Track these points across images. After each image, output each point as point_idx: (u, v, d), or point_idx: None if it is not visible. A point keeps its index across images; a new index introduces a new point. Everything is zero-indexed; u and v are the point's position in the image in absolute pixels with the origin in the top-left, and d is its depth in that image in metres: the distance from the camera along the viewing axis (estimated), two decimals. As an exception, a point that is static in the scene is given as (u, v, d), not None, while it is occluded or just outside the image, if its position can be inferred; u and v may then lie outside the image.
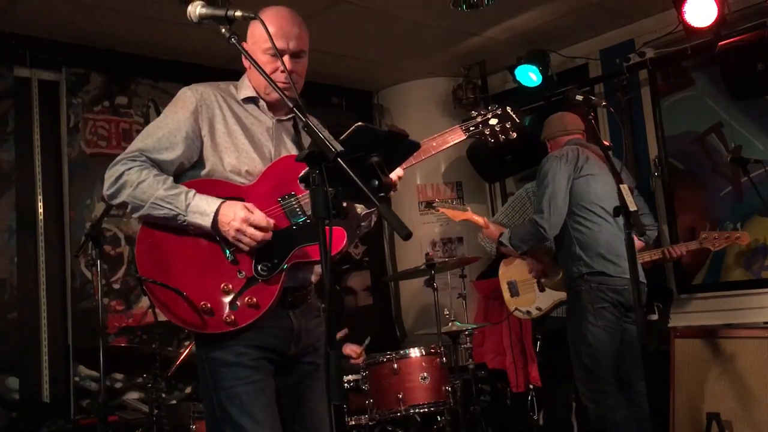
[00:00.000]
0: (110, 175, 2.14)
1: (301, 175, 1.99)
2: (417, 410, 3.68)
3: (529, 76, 5.06)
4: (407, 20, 4.65)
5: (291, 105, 1.76)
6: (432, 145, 2.22)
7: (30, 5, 3.97)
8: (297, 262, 2.12)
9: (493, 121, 2.30)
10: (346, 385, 3.80)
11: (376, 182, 1.83)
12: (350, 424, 3.76)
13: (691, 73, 4.79)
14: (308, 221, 2.13)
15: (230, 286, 2.08)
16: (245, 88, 2.29)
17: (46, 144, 4.45)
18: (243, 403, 2.07)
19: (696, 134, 4.78)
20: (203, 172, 2.19)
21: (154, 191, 2.07)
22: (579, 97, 2.89)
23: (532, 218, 3.58)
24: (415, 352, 3.75)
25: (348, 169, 1.62)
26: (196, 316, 2.07)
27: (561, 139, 3.87)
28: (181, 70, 4.70)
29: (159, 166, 2.15)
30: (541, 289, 4.15)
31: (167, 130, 2.17)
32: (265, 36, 2.15)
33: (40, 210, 4.38)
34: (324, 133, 1.68)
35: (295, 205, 2.14)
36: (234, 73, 5.20)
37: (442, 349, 3.82)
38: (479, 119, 2.31)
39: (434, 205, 3.98)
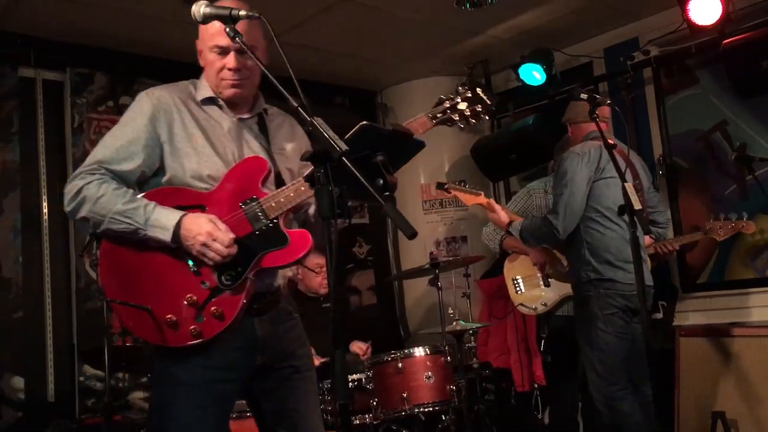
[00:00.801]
0: (69, 190, 2.09)
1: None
2: (421, 409, 3.68)
3: (533, 74, 5.05)
4: (411, 19, 4.65)
5: (296, 105, 1.74)
6: (416, 126, 2.13)
7: (34, 5, 3.98)
8: (261, 268, 2.08)
9: (463, 105, 2.20)
10: (350, 384, 3.80)
11: (381, 181, 1.83)
12: (354, 423, 3.76)
13: (696, 72, 4.77)
14: (271, 226, 2.08)
15: (195, 297, 2.04)
16: (203, 88, 2.24)
17: (51, 144, 4.46)
18: (187, 426, 2.05)
19: (700, 132, 4.77)
20: (164, 179, 2.14)
21: (112, 206, 2.04)
22: (583, 96, 2.89)
23: (547, 217, 3.50)
24: (419, 352, 3.75)
25: (353, 169, 1.61)
26: (162, 330, 2.03)
27: (584, 125, 3.68)
28: (184, 69, 4.63)
29: (119, 177, 2.10)
30: (546, 285, 4.14)
31: (125, 139, 2.12)
32: (210, 33, 2.13)
33: (45, 210, 4.39)
34: (329, 133, 1.67)
35: (258, 210, 2.09)
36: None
37: (446, 348, 3.81)
38: (447, 104, 2.21)
39: (446, 186, 3.83)
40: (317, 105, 1.76)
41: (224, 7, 1.90)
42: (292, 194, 2.09)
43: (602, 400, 3.41)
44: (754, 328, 4.11)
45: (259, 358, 2.15)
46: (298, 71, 1.71)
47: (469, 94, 2.20)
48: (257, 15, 1.87)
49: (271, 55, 1.85)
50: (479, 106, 2.21)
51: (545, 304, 4.13)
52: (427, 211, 5.85)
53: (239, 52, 2.14)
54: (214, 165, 2.14)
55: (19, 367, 4.12)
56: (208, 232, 2.01)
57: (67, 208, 2.10)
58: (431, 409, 3.69)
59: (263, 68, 1.85)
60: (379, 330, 5.61)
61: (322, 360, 3.95)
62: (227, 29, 1.87)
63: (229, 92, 2.19)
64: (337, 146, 1.63)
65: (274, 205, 2.09)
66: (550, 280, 4.11)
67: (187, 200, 2.08)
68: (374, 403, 3.66)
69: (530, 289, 4.22)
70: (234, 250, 2.03)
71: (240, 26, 2.02)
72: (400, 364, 3.66)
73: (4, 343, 4.09)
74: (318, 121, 1.71)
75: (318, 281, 4.26)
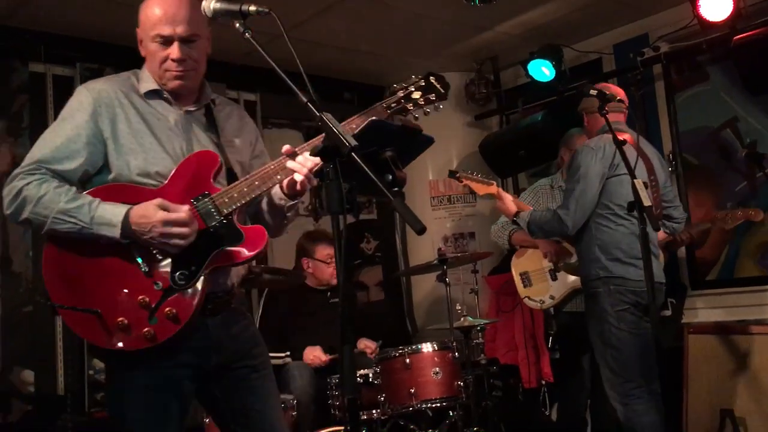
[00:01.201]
0: (8, 192, 2.00)
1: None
2: (429, 405, 3.68)
3: (542, 70, 5.04)
4: (419, 15, 4.64)
5: (305, 100, 1.74)
6: (351, 127, 2.05)
7: (43, 1, 3.99)
8: (216, 266, 2.03)
9: (417, 95, 2.16)
10: (358, 379, 3.80)
11: (390, 177, 1.83)
12: (362, 418, 3.76)
13: (706, 68, 4.75)
14: (225, 222, 2.03)
15: (147, 299, 1.96)
16: (146, 80, 2.15)
17: (61, 139, 4.47)
18: (145, 428, 2.02)
19: (711, 129, 4.74)
20: (110, 177, 2.05)
21: (55, 205, 1.95)
22: (593, 92, 2.88)
23: (557, 212, 3.44)
24: (427, 347, 3.75)
25: (362, 164, 1.61)
26: (114, 334, 1.95)
27: (600, 116, 3.44)
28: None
29: (61, 176, 2.01)
30: (554, 278, 4.13)
31: (65, 137, 2.03)
32: (152, 21, 2.06)
33: (55, 204, 4.40)
34: (338, 128, 1.67)
35: (210, 206, 2.03)
36: (251, 69, 5.18)
37: (454, 344, 3.82)
38: (401, 94, 2.16)
39: (458, 175, 3.72)
40: (325, 101, 1.75)
41: (235, 2, 1.89)
42: (245, 189, 2.05)
43: (617, 398, 3.32)
44: (764, 325, 4.09)
45: (215, 357, 2.12)
46: (305, 67, 1.71)
47: (423, 83, 2.16)
48: (267, 10, 1.85)
49: (279, 50, 1.84)
50: (433, 94, 2.18)
51: (553, 297, 4.13)
52: (435, 207, 5.85)
53: (184, 42, 2.08)
54: (162, 161, 2.07)
55: (28, 361, 4.15)
56: (162, 219, 1.94)
57: (8, 211, 2.01)
58: (439, 404, 3.69)
59: (273, 63, 1.83)
60: (387, 326, 5.62)
61: (332, 357, 3.96)
62: (238, 24, 1.86)
63: (174, 84, 2.12)
64: (347, 142, 1.63)
65: (227, 200, 2.04)
66: (557, 273, 4.11)
67: (135, 198, 2.00)
68: (382, 398, 3.66)
69: (538, 282, 4.22)
70: (195, 227, 1.99)
71: (186, 14, 2.02)
72: (407, 360, 3.66)
73: (14, 336, 4.11)
74: (327, 117, 1.71)
75: (330, 272, 4.28)
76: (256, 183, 2.05)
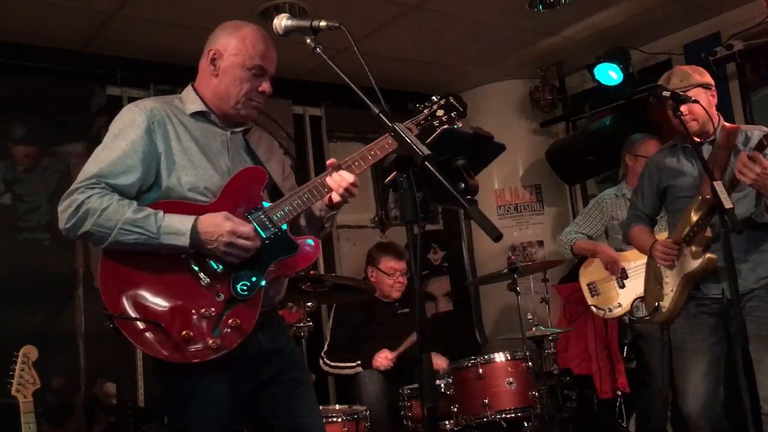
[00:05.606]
0: (67, 205, 1.99)
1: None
2: (503, 416, 3.64)
3: (609, 74, 4.96)
4: (482, 23, 4.63)
5: (377, 111, 1.76)
6: (385, 144, 2.14)
7: (119, 28, 4.16)
8: (275, 276, 2.10)
9: (440, 112, 2.24)
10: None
11: (462, 185, 1.84)
12: (435, 429, 3.74)
13: (783, 65, 4.59)
14: (279, 234, 2.10)
15: (211, 310, 2.00)
16: (192, 101, 2.21)
17: (137, 158, 4.63)
18: None
19: (790, 128, 4.56)
20: (161, 193, 2.08)
21: (120, 216, 1.96)
22: (666, 93, 2.80)
23: None
24: (500, 357, 3.71)
25: (436, 173, 1.61)
26: (179, 347, 1.97)
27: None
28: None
29: (119, 191, 2.03)
30: (621, 286, 4.05)
31: (121, 152, 2.05)
32: (256, 52, 2.16)
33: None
34: (411, 138, 1.68)
35: (264, 219, 2.09)
36: (315, 84, 5.23)
37: (528, 353, 3.77)
38: (427, 111, 2.24)
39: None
40: (390, 111, 1.78)
41: (305, 19, 1.94)
42: (298, 201, 2.12)
43: None
44: None
45: (267, 369, 2.17)
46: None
47: (443, 102, 2.26)
48: (337, 24, 1.89)
49: (342, 65, 1.87)
50: (454, 112, 2.26)
51: (620, 304, 4.05)
52: (501, 216, 5.80)
53: (269, 79, 2.20)
54: (211, 178, 2.12)
55: (111, 374, 4.29)
56: (230, 230, 2.00)
57: (66, 225, 2.00)
58: (513, 415, 3.64)
59: (346, 79, 1.85)
60: (456, 336, 5.58)
61: (397, 351, 3.97)
62: (309, 40, 1.90)
63: (251, 113, 2.23)
64: (420, 151, 1.64)
65: (281, 214, 2.10)
66: (625, 281, 4.03)
67: (190, 213, 2.04)
68: (455, 409, 3.64)
69: (605, 291, 4.16)
70: (258, 242, 2.05)
71: (275, 54, 2.18)
72: (480, 370, 3.63)
73: (97, 350, 4.26)
74: (399, 127, 1.73)
75: (389, 284, 4.30)
76: (306, 196, 2.13)
